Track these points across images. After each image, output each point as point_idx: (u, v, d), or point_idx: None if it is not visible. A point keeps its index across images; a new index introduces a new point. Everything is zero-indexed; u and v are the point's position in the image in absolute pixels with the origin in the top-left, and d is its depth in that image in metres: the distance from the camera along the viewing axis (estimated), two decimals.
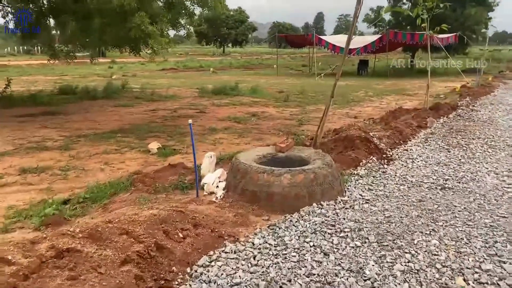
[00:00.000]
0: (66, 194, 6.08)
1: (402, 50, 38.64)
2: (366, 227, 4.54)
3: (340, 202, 5.19)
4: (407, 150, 7.86)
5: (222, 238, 4.25)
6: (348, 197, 5.38)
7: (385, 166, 6.80)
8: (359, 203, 5.23)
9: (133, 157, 8.20)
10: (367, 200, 5.34)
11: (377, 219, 4.78)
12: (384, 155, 7.21)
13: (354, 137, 7.34)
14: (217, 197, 5.22)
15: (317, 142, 7.01)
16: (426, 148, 8.05)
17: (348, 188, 5.68)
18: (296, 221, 4.68)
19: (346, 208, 5.06)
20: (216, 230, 4.33)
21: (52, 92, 17.70)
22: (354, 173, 6.30)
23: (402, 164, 6.94)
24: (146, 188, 5.67)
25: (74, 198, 5.82)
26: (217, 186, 5.55)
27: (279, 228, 4.51)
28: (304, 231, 4.42)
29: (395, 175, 6.36)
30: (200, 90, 18.12)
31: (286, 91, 18.47)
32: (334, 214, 4.86)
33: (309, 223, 4.61)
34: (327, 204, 5.06)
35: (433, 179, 6.21)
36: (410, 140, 8.66)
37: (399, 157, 7.36)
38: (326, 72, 28.33)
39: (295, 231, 4.45)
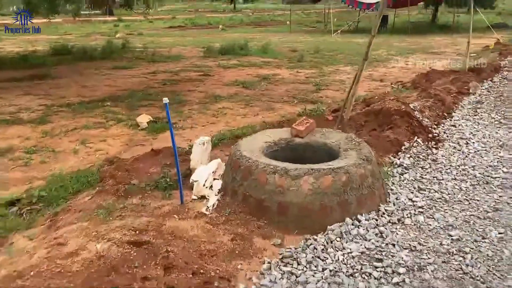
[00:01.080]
0: (22, 189, 4.60)
1: (424, 5, 35.64)
2: (428, 261, 2.94)
3: (384, 214, 3.56)
4: (454, 125, 6.12)
5: (211, 286, 2.68)
6: (393, 204, 3.74)
7: (434, 150, 5.10)
8: (411, 214, 3.60)
9: (118, 133, 6.64)
10: (420, 208, 3.70)
11: (441, 244, 3.17)
12: (430, 135, 5.49)
13: (392, 111, 5.61)
14: (208, 207, 3.62)
15: (344, 119, 5.30)
16: (478, 123, 6.30)
17: (391, 189, 4.03)
18: (323, 250, 3.08)
19: (393, 224, 3.44)
20: (202, 270, 2.75)
21: (47, 52, 15.98)
22: (396, 163, 4.62)
23: (455, 148, 5.23)
24: (116, 186, 4.10)
25: (26, 197, 4.32)
26: (211, 186, 3.95)
27: (298, 264, 2.93)
28: (337, 271, 2.84)
29: (450, 165, 4.67)
30: (206, 49, 16.23)
31: (300, 50, 16.49)
32: (377, 236, 3.25)
33: (343, 254, 3.02)
34: (366, 219, 3.43)
35: (502, 171, 4.52)
36: (454, 112, 6.89)
37: (448, 136, 5.64)
38: (343, 29, 25.99)
39: (322, 269, 2.87)
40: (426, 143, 5.20)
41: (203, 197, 3.82)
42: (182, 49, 17.51)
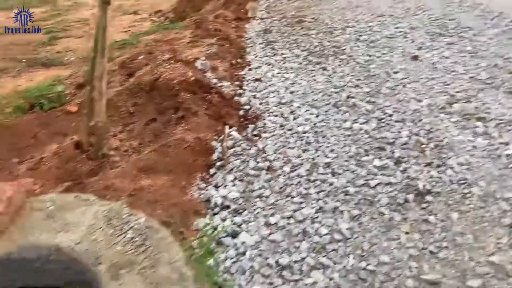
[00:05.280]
0: None
1: None
2: None
3: None
4: (260, 79, 4.10)
5: None
6: None
7: (259, 144, 2.99)
8: None
9: None
10: None
11: None
12: (241, 112, 3.34)
13: (175, 83, 3.19)
14: None
15: (97, 123, 2.63)
16: (285, 68, 4.41)
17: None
18: None
19: None
20: None
21: None
22: (215, 203, 2.36)
23: (282, 126, 3.23)
24: None
25: None
26: None
27: None
28: None
29: (299, 177, 2.66)
30: None
31: None
32: None
33: None
34: None
35: (357, 161, 2.75)
36: (246, 53, 4.89)
37: (262, 104, 3.59)
38: None
39: None
40: (244, 132, 3.04)
41: None
42: None
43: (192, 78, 3.23)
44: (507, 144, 2.81)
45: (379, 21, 5.61)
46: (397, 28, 5.27)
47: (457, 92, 3.54)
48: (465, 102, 3.36)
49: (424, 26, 5.24)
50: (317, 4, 6.81)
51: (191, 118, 2.97)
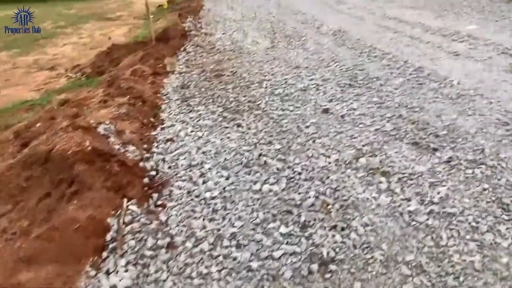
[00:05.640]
0: None
1: None
2: None
3: None
4: (172, 139, 3.96)
5: None
6: None
7: (161, 215, 2.80)
8: None
9: None
10: None
11: None
12: (145, 180, 3.16)
13: (70, 155, 2.96)
14: None
15: None
16: (199, 126, 4.32)
17: None
18: None
19: None
20: None
21: None
22: None
23: (190, 193, 3.09)
24: None
25: None
26: None
27: None
28: None
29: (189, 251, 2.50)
30: None
31: None
32: None
33: None
34: None
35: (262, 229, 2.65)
36: (160, 111, 4.76)
37: (171, 168, 3.44)
38: None
39: None
40: (146, 204, 2.85)
41: None
42: None
43: (89, 148, 3.01)
44: (409, 200, 2.84)
45: (295, 73, 5.75)
46: (311, 80, 5.41)
47: (363, 145, 3.60)
48: (371, 156, 3.42)
49: (336, 78, 5.43)
50: (237, 57, 6.91)
51: (85, 192, 2.73)
